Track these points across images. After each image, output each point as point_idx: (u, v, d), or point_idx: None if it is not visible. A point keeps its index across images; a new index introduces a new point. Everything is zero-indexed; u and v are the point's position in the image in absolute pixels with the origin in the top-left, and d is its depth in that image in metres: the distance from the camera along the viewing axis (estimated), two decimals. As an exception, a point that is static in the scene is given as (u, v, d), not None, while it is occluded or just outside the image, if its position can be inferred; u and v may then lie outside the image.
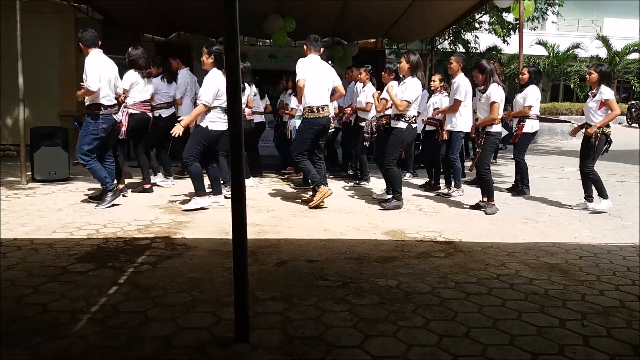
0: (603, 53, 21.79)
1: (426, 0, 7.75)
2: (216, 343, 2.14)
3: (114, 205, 4.75)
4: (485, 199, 4.98)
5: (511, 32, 14.04)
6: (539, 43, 20.75)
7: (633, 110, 18.91)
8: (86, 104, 4.74)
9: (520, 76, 6.05)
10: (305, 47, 5.19)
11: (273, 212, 4.91)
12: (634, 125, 18.34)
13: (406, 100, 4.90)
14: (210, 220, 4.46)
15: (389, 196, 5.62)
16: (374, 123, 6.04)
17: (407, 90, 4.93)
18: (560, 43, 21.06)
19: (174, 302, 2.56)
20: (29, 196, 5.34)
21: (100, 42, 4.79)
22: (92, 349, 2.07)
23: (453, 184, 5.92)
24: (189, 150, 4.77)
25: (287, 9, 8.47)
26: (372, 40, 11.11)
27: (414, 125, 5.06)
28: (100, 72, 4.62)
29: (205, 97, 4.66)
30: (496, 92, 4.87)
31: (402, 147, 5.14)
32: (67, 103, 8.65)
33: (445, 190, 5.95)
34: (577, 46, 20.70)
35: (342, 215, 4.85)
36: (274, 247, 3.66)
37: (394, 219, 4.70)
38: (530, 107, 5.79)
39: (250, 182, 6.32)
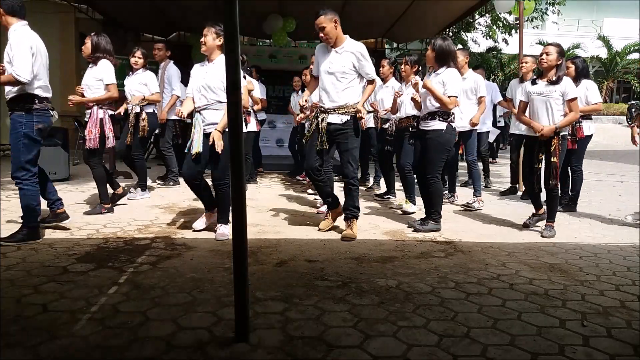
0: (603, 53, 21.81)
1: (426, 0, 7.75)
2: (216, 343, 2.14)
3: (21, 242, 3.54)
4: (552, 222, 4.24)
5: (510, 32, 14.05)
6: (539, 43, 20.73)
7: (633, 110, 18.92)
8: (8, 95, 3.54)
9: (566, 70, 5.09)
10: (337, 23, 3.85)
11: (273, 212, 4.92)
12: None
13: (454, 96, 4.13)
14: (210, 220, 4.46)
15: (412, 207, 5.00)
16: (393, 126, 5.25)
17: (448, 84, 4.10)
18: (560, 43, 21.04)
19: (174, 302, 2.56)
20: (29, 196, 5.33)
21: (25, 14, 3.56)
22: (92, 349, 2.07)
23: (473, 192, 5.38)
24: (225, 168, 3.77)
25: (287, 9, 8.48)
26: (372, 40, 11.12)
27: (453, 124, 4.23)
28: (34, 55, 3.49)
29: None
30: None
31: (445, 152, 4.24)
32: (67, 103, 8.65)
33: (470, 201, 5.28)
34: (577, 46, 20.71)
35: (342, 215, 4.84)
36: (274, 247, 3.66)
37: (394, 219, 4.70)
38: (598, 103, 4.99)
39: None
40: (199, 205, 5.05)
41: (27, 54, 3.42)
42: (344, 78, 3.90)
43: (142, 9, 8.29)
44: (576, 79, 4.98)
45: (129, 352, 2.05)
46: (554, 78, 4.03)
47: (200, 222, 4.09)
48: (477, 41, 16.49)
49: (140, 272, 3.01)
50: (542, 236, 4.15)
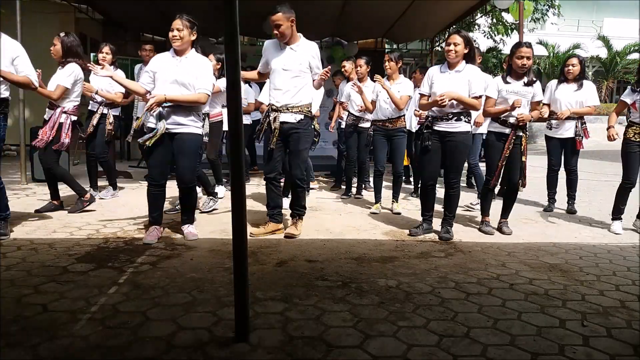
0: (603, 53, 21.82)
1: (426, 0, 7.75)
2: (216, 343, 2.14)
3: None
4: (506, 219, 4.32)
5: (509, 33, 14.06)
6: (540, 43, 20.75)
7: (633, 110, 18.91)
8: None
9: (570, 68, 4.96)
10: (293, 22, 3.76)
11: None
12: (633, 125, 18.33)
13: (480, 96, 3.92)
14: (210, 220, 4.46)
15: (399, 208, 4.99)
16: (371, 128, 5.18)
17: (474, 82, 3.82)
18: (560, 43, 21.09)
19: (174, 302, 2.56)
20: (29, 196, 5.34)
21: None
22: (92, 349, 2.07)
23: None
24: (194, 171, 3.84)
25: (287, 9, 8.46)
26: (372, 40, 11.13)
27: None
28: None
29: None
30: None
31: (467, 154, 4.17)
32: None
33: (474, 202, 5.24)
34: (577, 46, 20.72)
35: (342, 215, 4.85)
36: (274, 247, 3.66)
37: (394, 219, 4.70)
38: (592, 106, 5.00)
39: (221, 192, 5.51)
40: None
41: (29, 60, 3.42)
42: (300, 76, 3.77)
43: (142, 9, 8.29)
44: (580, 78, 4.99)
45: (129, 352, 2.05)
46: (528, 79, 4.02)
47: (153, 236, 3.71)
48: (478, 41, 16.52)
49: (140, 272, 3.01)
50: (504, 233, 4.20)
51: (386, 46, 12.13)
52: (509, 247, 3.80)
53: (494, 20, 13.90)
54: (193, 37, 3.63)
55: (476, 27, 14.09)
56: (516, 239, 4.09)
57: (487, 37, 15.07)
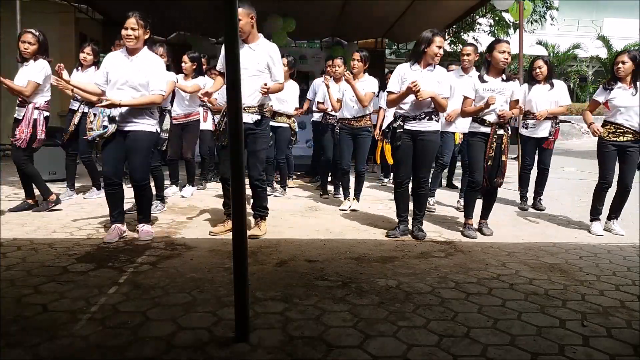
0: (603, 53, 21.82)
1: (426, 0, 7.76)
2: (216, 343, 2.14)
3: None
4: (486, 220, 4.27)
5: (507, 32, 14.10)
6: (539, 43, 20.75)
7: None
8: None
9: (537, 70, 5.08)
10: (253, 20, 3.71)
11: (273, 212, 4.90)
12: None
13: (447, 98, 3.98)
14: (210, 220, 4.46)
15: (356, 205, 5.06)
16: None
17: (444, 84, 3.92)
18: (560, 43, 21.09)
19: (174, 302, 2.56)
20: (29, 196, 5.33)
21: None
22: (92, 349, 2.07)
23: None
24: (146, 169, 3.76)
25: (287, 10, 8.48)
26: (372, 40, 11.14)
27: None
28: None
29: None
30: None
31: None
32: (67, 103, 8.66)
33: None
34: (577, 46, 20.73)
35: (342, 215, 4.85)
36: (274, 247, 3.66)
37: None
38: (566, 105, 5.11)
39: (188, 191, 5.60)
40: (199, 204, 5.07)
41: None
42: (257, 76, 3.71)
43: (142, 9, 8.28)
44: (548, 78, 5.08)
45: (129, 352, 2.05)
46: (507, 75, 3.97)
47: (113, 235, 3.68)
48: (479, 40, 16.54)
49: (140, 272, 3.01)
50: (484, 235, 4.13)
51: (386, 46, 12.13)
52: (509, 247, 3.80)
53: (496, 19, 13.92)
54: (147, 36, 3.63)
55: (477, 25, 14.11)
56: (516, 239, 4.09)
57: (490, 35, 15.09)
